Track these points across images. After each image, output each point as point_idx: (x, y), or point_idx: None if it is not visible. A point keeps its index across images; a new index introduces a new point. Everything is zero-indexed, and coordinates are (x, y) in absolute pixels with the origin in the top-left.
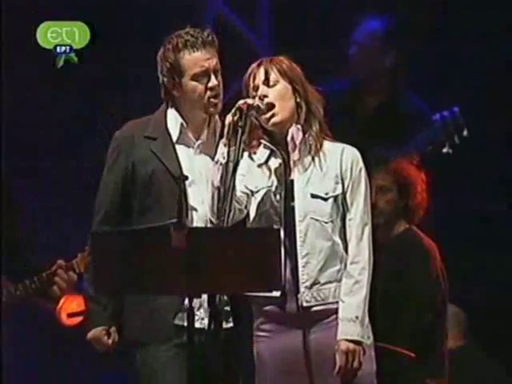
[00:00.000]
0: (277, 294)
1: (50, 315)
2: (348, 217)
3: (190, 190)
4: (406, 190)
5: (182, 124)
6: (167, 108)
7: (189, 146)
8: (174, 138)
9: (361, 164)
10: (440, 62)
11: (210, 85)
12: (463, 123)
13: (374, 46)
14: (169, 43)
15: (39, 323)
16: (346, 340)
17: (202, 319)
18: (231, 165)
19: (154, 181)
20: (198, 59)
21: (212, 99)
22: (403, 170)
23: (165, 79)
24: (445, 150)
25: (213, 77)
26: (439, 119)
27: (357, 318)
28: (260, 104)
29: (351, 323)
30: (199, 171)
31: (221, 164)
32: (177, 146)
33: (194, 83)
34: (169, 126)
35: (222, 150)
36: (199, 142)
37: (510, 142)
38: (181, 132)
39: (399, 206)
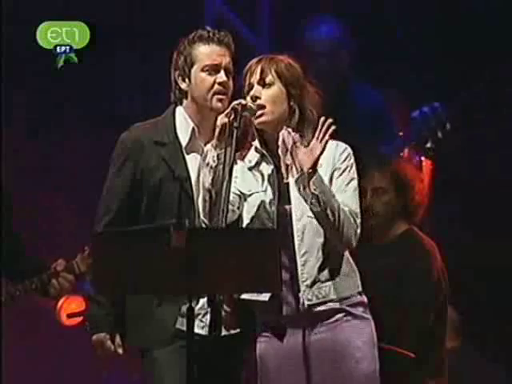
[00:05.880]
0: (265, 298)
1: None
2: None
3: (196, 195)
4: (404, 190)
5: (193, 129)
6: (175, 109)
7: (198, 152)
8: (184, 144)
9: (351, 160)
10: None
11: (218, 80)
12: (445, 118)
13: (331, 49)
14: (185, 38)
15: (39, 323)
16: None
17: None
18: (227, 167)
19: (162, 188)
20: (211, 52)
21: (219, 95)
22: (401, 171)
23: (176, 73)
24: (428, 145)
25: (223, 73)
26: (418, 116)
27: None
28: (252, 105)
29: None
30: None
31: (211, 167)
32: (185, 152)
33: (203, 75)
34: (178, 130)
35: (212, 152)
36: (207, 147)
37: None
38: (191, 138)
39: (398, 207)
